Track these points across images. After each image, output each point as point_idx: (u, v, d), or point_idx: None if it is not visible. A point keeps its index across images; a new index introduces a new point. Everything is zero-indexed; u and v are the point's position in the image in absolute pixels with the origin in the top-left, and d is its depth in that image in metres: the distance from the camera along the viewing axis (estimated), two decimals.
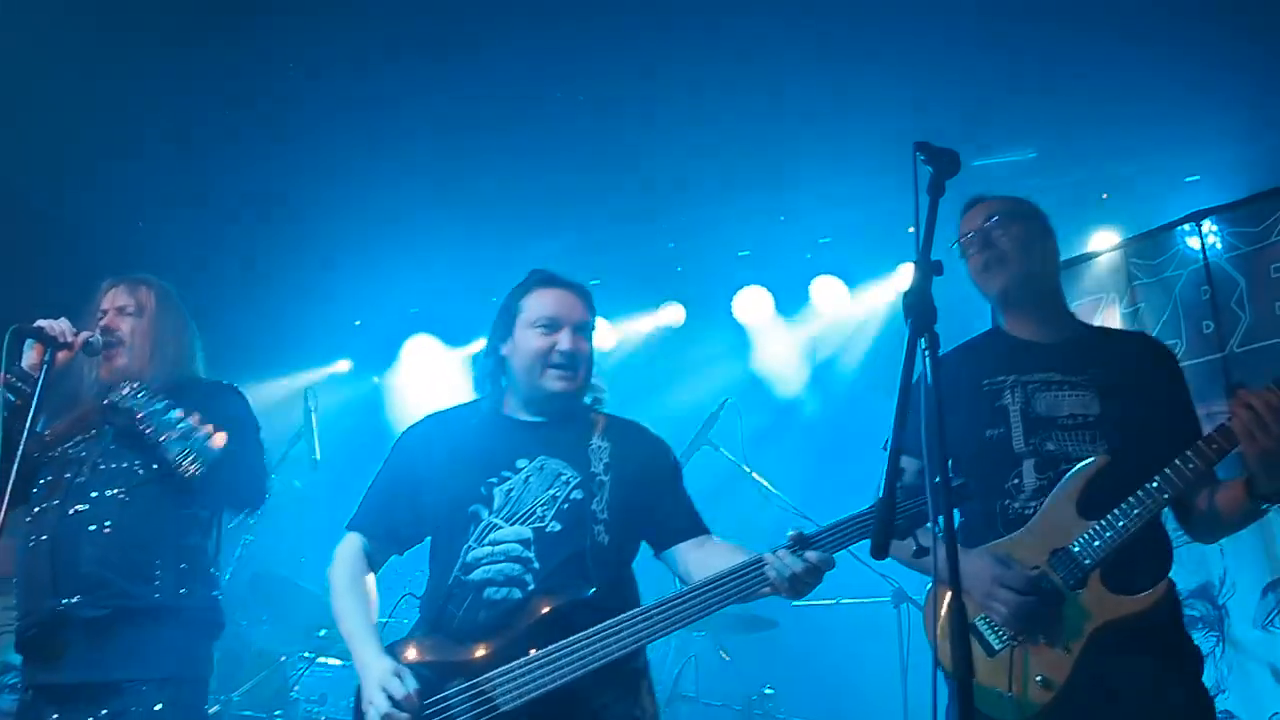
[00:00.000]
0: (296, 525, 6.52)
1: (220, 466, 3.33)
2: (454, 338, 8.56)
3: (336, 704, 6.05)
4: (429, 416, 3.50)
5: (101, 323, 3.63)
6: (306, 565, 6.38)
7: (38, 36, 5.60)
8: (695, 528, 3.31)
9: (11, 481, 3.12)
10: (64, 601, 3.33)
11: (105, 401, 3.47)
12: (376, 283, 7.92)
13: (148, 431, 3.32)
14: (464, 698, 2.99)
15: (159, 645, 3.34)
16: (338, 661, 6.04)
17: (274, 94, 6.14)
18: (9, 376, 3.38)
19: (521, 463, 3.22)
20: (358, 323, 8.63)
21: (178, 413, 3.31)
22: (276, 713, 5.85)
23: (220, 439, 3.32)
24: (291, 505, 6.41)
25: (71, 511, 3.43)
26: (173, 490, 3.44)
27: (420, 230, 7.32)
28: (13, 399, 3.37)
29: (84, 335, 3.50)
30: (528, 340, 3.29)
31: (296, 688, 5.96)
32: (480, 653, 3.03)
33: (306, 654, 6.02)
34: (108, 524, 3.40)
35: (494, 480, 3.19)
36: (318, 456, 6.33)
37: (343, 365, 8.82)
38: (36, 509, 3.48)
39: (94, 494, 3.45)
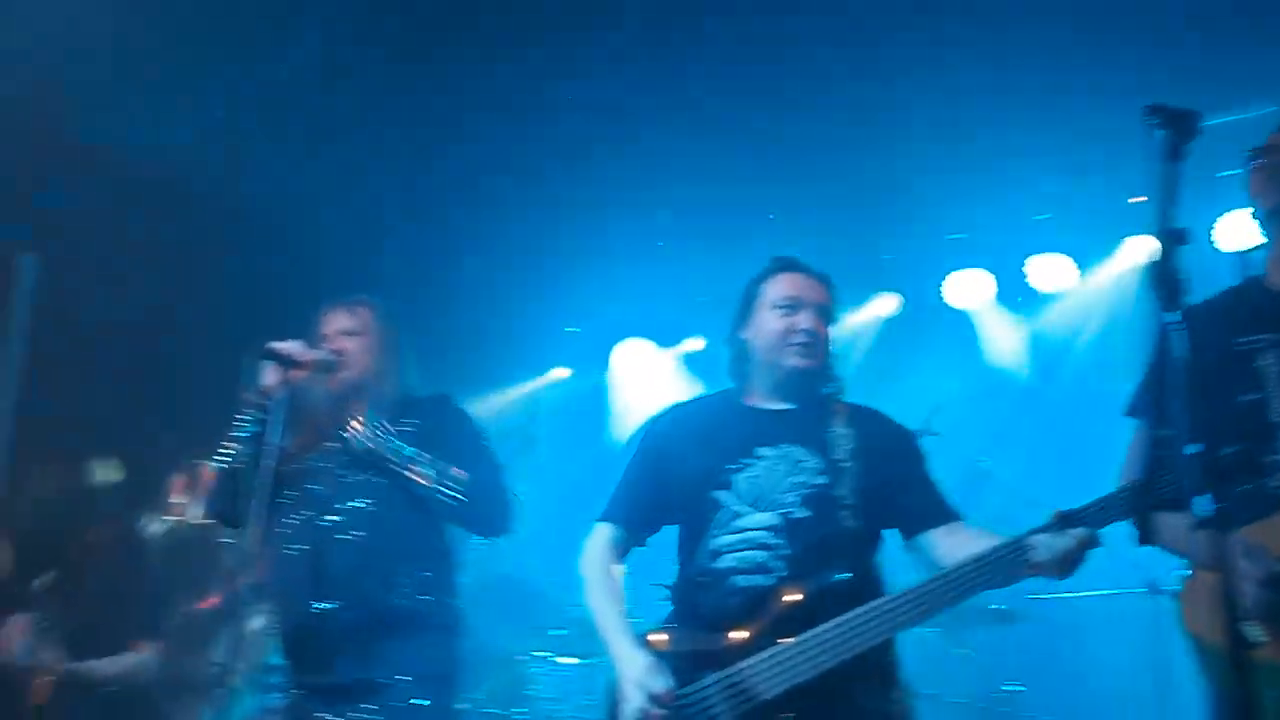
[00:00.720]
0: (524, 528, 6.63)
1: (471, 502, 3.53)
2: (665, 339, 8.62)
3: (576, 702, 6.12)
4: (672, 407, 3.54)
5: (331, 345, 3.77)
6: (538, 567, 6.51)
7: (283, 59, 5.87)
8: (945, 513, 3.23)
9: (267, 494, 3.30)
10: (320, 608, 3.48)
11: (346, 433, 3.62)
12: (588, 289, 8.03)
13: (398, 473, 3.53)
14: (720, 688, 2.98)
15: (410, 646, 3.46)
16: (575, 660, 6.13)
17: (481, 104, 6.29)
18: (251, 396, 3.56)
19: (764, 450, 3.22)
20: (575, 330, 8.77)
21: (426, 458, 3.52)
22: (517, 712, 5.97)
23: (461, 474, 3.51)
24: (522, 508, 6.53)
25: (322, 522, 3.58)
26: (418, 502, 3.58)
27: (627, 235, 7.40)
28: (255, 416, 3.56)
29: (315, 354, 3.65)
30: (768, 321, 3.32)
31: (535, 687, 6.07)
32: (735, 642, 3.02)
33: (543, 653, 6.12)
34: (356, 533, 3.53)
35: (736, 467, 3.20)
36: (542, 462, 6.45)
37: (561, 373, 8.98)
38: (288, 519, 3.63)
39: (340, 505, 3.59)
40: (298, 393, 3.64)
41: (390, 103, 6.27)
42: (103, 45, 5.63)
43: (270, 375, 3.58)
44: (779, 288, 3.35)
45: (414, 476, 3.50)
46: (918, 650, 5.98)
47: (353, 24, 5.83)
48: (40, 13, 5.37)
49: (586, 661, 6.31)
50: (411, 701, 3.39)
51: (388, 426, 3.58)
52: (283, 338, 3.65)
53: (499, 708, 6.01)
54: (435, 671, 3.49)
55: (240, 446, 3.55)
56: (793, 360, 3.27)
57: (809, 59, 5.98)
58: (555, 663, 6.18)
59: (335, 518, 3.57)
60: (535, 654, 6.18)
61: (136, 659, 4.69)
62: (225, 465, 3.62)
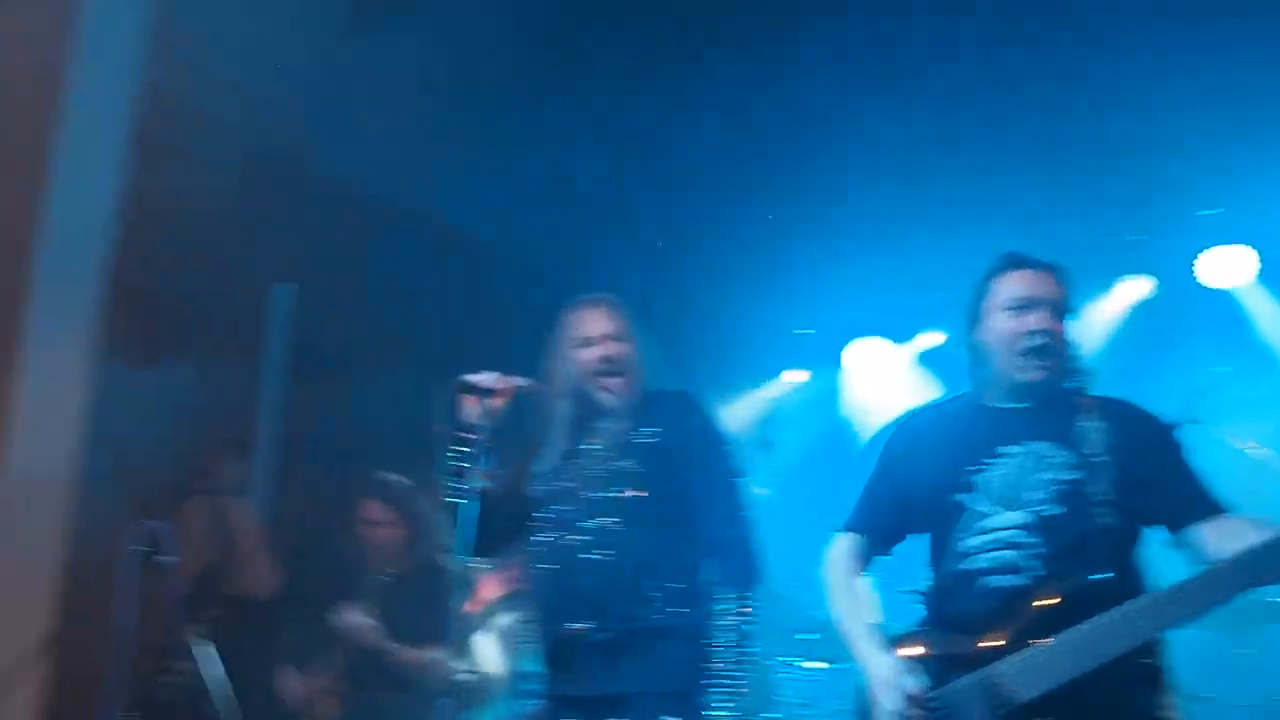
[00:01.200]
0: (767, 532, 6.60)
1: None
2: (901, 336, 8.46)
3: (825, 708, 6.05)
4: (911, 413, 3.48)
5: (599, 353, 3.70)
6: (782, 571, 6.46)
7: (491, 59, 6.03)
8: (1211, 506, 3.03)
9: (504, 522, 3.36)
10: (572, 626, 3.49)
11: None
12: (819, 289, 7.96)
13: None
14: (976, 690, 2.91)
15: (663, 662, 3.43)
16: (823, 665, 6.05)
17: (706, 104, 6.32)
18: (450, 427, 3.56)
19: (1011, 449, 3.12)
20: (809, 331, 8.70)
21: None
22: (766, 717, 5.92)
23: None
24: (763, 514, 6.51)
25: (569, 542, 3.57)
26: (667, 514, 3.55)
27: (861, 231, 7.30)
28: (462, 450, 3.53)
29: (515, 383, 3.61)
30: (1000, 323, 3.20)
31: (783, 693, 6.03)
32: (987, 643, 2.94)
33: (790, 659, 6.07)
34: (604, 552, 3.51)
35: (977, 468, 3.12)
36: (780, 467, 6.42)
37: (796, 375, 8.91)
38: (542, 537, 3.65)
39: (586, 524, 3.57)
40: (511, 417, 3.64)
41: (610, 106, 6.35)
42: (343, 84, 5.94)
43: (470, 408, 3.58)
44: (1008, 287, 3.22)
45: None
46: (1196, 652, 5.70)
47: (562, 31, 5.94)
48: (286, 54, 5.71)
49: (835, 666, 6.24)
50: (662, 717, 3.36)
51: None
52: (505, 359, 3.66)
53: (751, 713, 5.98)
54: (687, 686, 3.45)
55: (459, 481, 3.52)
56: (1028, 369, 3.16)
57: (1029, 31, 5.77)
58: (802, 668, 6.10)
59: (579, 537, 3.56)
60: (782, 659, 6.12)
61: (434, 655, 4.87)
62: (452, 503, 3.58)
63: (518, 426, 3.72)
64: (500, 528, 3.56)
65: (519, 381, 3.63)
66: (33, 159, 5.04)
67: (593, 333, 3.73)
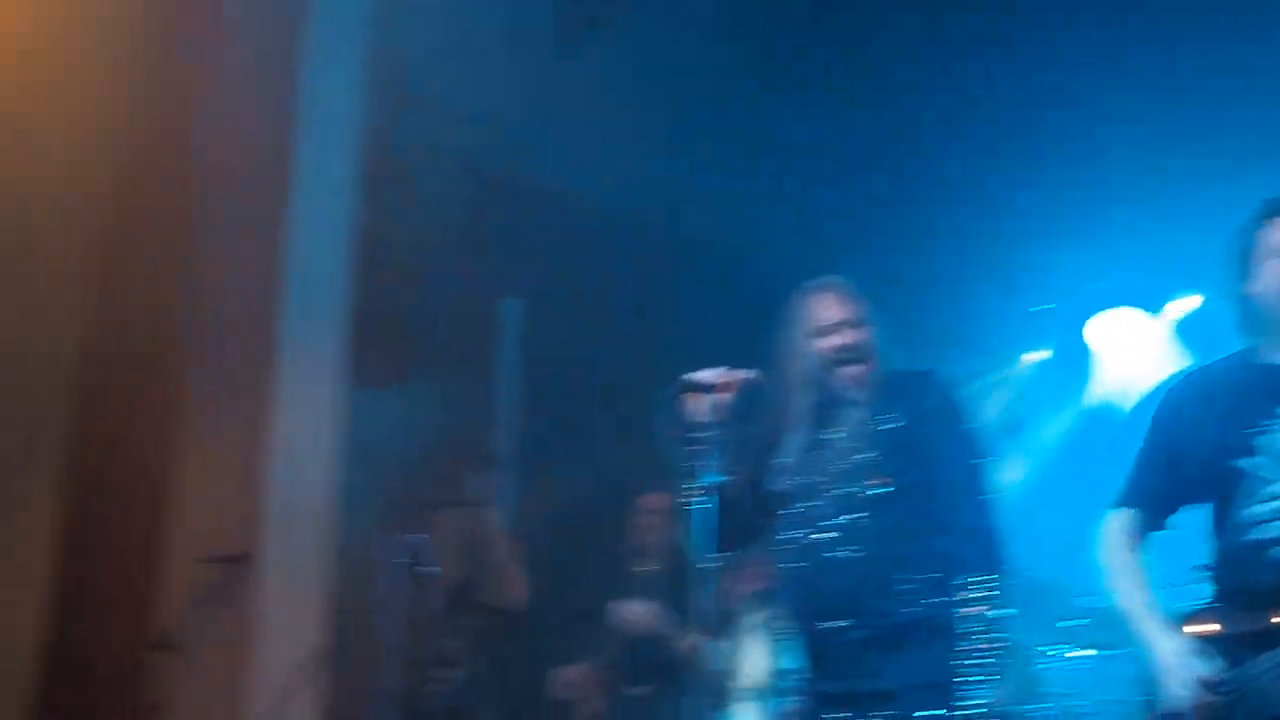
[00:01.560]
0: (1024, 516, 6.42)
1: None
2: (1153, 303, 8.06)
3: (1093, 696, 5.83)
4: (1181, 378, 3.30)
5: (839, 340, 3.61)
6: (1039, 557, 6.25)
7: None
8: None
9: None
10: (826, 625, 3.43)
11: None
12: (1063, 261, 7.69)
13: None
14: (1274, 670, 2.75)
15: (920, 655, 3.33)
16: (1091, 652, 5.83)
17: (938, 87, 6.20)
18: (678, 428, 3.51)
19: None
20: (1048, 307, 8.41)
21: None
22: (1042, 707, 5.76)
23: None
24: (1019, 497, 6.35)
25: (817, 540, 3.50)
26: (914, 503, 3.44)
27: (1104, 196, 7.02)
28: (695, 448, 3.48)
29: (739, 376, 3.54)
30: (1272, 272, 3.00)
31: (1049, 682, 5.82)
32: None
33: (1057, 646, 5.88)
34: (851, 549, 3.43)
35: (1259, 430, 2.93)
36: (1029, 449, 6.21)
37: (1040, 352, 8.61)
38: (789, 535, 3.58)
39: (833, 520, 3.49)
40: (735, 414, 3.55)
41: (828, 91, 6.28)
42: (558, 98, 6.07)
43: (696, 405, 3.53)
44: (1278, 233, 3.02)
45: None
46: None
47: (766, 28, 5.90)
48: (500, 74, 5.87)
49: (1102, 653, 5.97)
50: (918, 713, 3.27)
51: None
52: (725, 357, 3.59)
53: (1020, 703, 5.80)
54: (945, 678, 3.30)
55: (693, 481, 3.47)
56: None
57: None
58: (1068, 656, 5.87)
59: (826, 535, 3.48)
60: (1046, 648, 5.91)
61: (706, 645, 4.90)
62: (689, 502, 3.53)
63: (746, 421, 3.64)
64: (740, 524, 3.51)
65: (744, 375, 3.56)
66: (272, 197, 5.32)
67: (828, 319, 3.62)
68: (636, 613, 4.76)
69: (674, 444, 3.50)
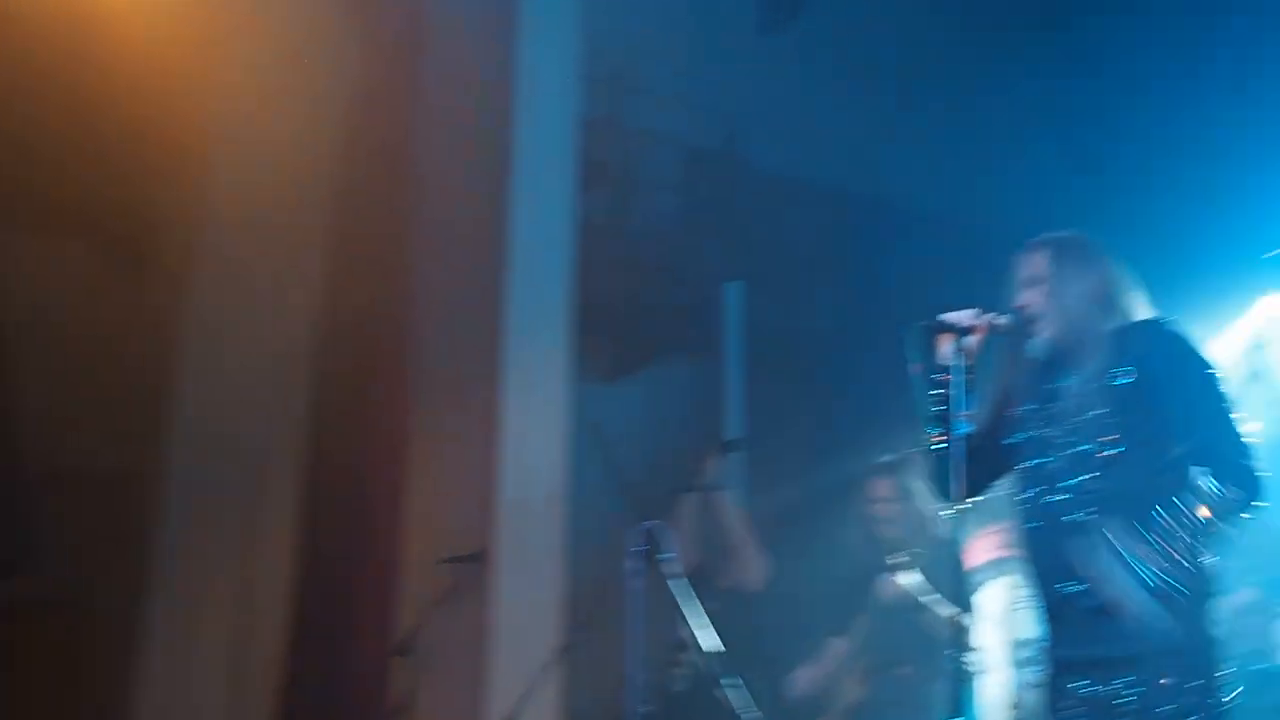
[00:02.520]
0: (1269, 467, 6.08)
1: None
2: None
3: None
4: None
5: (1017, 301, 3.55)
6: None
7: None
8: None
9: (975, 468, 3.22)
10: (1066, 588, 3.34)
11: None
12: None
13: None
14: None
15: (1153, 622, 3.20)
16: None
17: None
18: (921, 367, 3.44)
19: None
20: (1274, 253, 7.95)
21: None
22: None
23: None
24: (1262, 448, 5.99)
25: (1050, 500, 3.41)
26: (1149, 459, 3.29)
27: None
28: (939, 391, 3.44)
29: (989, 318, 3.47)
30: None
31: None
32: None
33: None
34: (1085, 512, 3.32)
35: None
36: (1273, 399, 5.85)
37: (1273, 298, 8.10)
38: (1025, 495, 3.50)
39: (1066, 481, 3.39)
40: (991, 356, 3.52)
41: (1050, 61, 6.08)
42: (765, 78, 6.02)
43: (944, 346, 3.47)
44: None
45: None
46: None
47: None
48: (708, 57, 5.85)
49: None
50: (1165, 680, 3.17)
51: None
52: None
53: (1267, 662, 5.52)
54: (1183, 644, 3.22)
55: (937, 425, 3.44)
56: None
57: None
58: None
59: (1059, 496, 3.38)
60: None
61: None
62: (932, 446, 3.51)
63: (993, 366, 3.60)
64: (980, 475, 3.43)
65: (996, 318, 3.49)
66: (492, 193, 5.39)
67: (1020, 278, 3.59)
68: (905, 583, 4.65)
69: (920, 385, 3.46)
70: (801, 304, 6.81)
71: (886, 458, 5.16)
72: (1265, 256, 7.86)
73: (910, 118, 6.46)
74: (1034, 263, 3.57)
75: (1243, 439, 3.27)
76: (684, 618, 4.49)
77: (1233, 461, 3.21)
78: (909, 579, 4.71)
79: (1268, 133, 6.68)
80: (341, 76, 5.72)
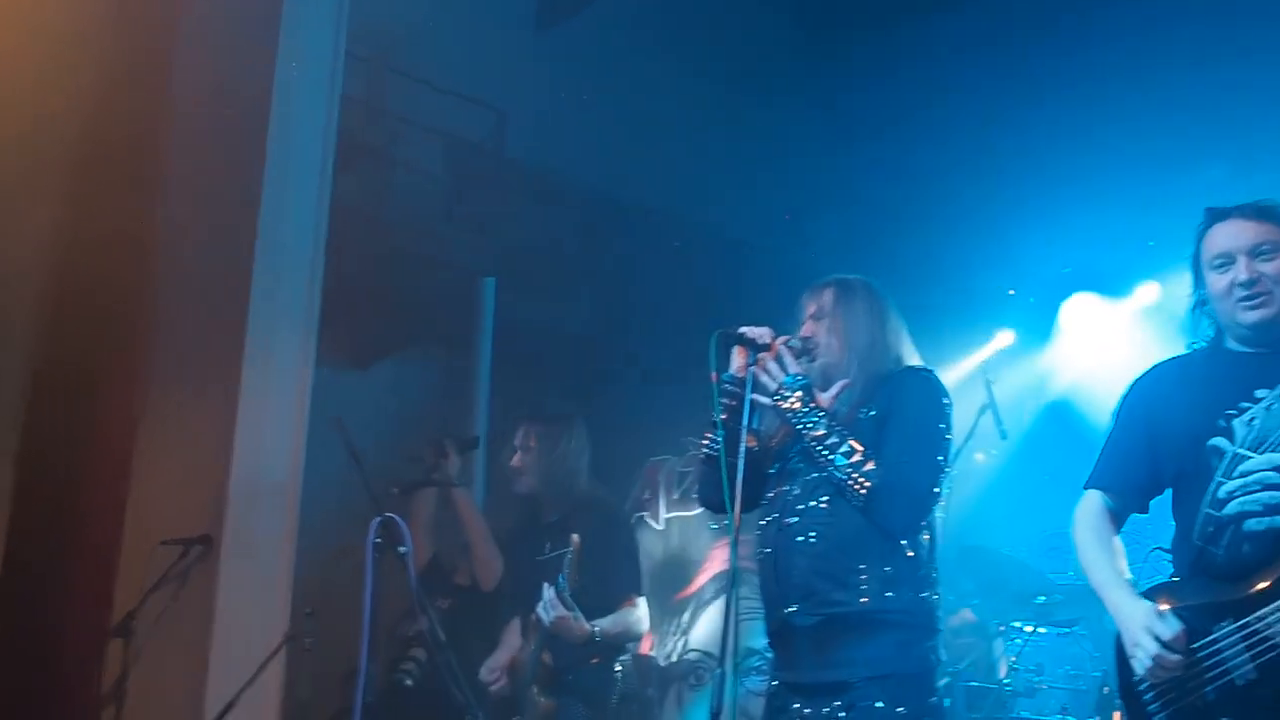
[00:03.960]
0: (987, 496, 6.47)
1: (877, 499, 3.36)
2: (1114, 290, 8.11)
3: (1054, 671, 5.96)
4: (1155, 366, 3.38)
5: (801, 333, 3.68)
6: (1010, 535, 6.33)
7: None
8: None
9: (740, 480, 3.26)
10: (786, 610, 3.46)
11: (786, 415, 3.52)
12: (1027, 248, 7.74)
13: (817, 453, 3.43)
14: (1237, 638, 2.85)
15: (878, 648, 3.37)
16: (1055, 629, 5.95)
17: (905, 77, 6.21)
18: (719, 377, 3.49)
19: (1260, 392, 3.04)
20: (1011, 292, 8.46)
21: (842, 441, 3.40)
22: (1004, 682, 5.83)
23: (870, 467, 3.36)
24: (981, 478, 6.39)
25: (785, 524, 3.53)
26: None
27: (1067, 185, 7.07)
28: (726, 401, 3.51)
29: (783, 339, 3.58)
30: (1212, 283, 3.18)
31: (1014, 658, 5.90)
32: (1250, 589, 2.87)
33: (1020, 624, 5.95)
34: (813, 535, 3.46)
35: (1232, 412, 3.05)
36: (1004, 429, 6.24)
37: (1005, 337, 8.63)
38: (763, 520, 3.62)
39: (801, 506, 3.52)
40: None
41: (824, 80, 6.28)
42: (550, 80, 6.00)
43: (738, 359, 3.56)
44: (1211, 244, 3.20)
45: (829, 460, 3.40)
46: None
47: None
48: (479, 49, 5.79)
49: (1065, 630, 6.06)
50: (876, 704, 3.30)
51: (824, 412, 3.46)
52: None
53: (983, 679, 5.91)
54: (900, 670, 3.37)
55: (716, 434, 3.52)
56: (1245, 316, 3.11)
57: None
58: (1036, 632, 5.97)
59: (793, 520, 3.51)
60: (1015, 624, 6.00)
61: (633, 613, 4.84)
62: (706, 453, 3.61)
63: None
64: (750, 492, 3.41)
65: (787, 340, 3.60)
66: (246, 167, 5.20)
67: (803, 318, 3.73)
68: (550, 616, 4.67)
69: (712, 392, 3.48)
70: (558, 304, 6.83)
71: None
72: (1007, 293, 8.40)
73: (683, 131, 6.57)
74: (821, 299, 3.71)
75: (918, 470, 3.45)
76: (418, 612, 4.44)
77: (899, 487, 3.39)
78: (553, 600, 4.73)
79: (1007, 179, 7.11)
80: (97, 19, 5.39)
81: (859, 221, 7.13)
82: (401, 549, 4.18)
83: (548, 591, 4.66)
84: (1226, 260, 3.14)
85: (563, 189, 6.54)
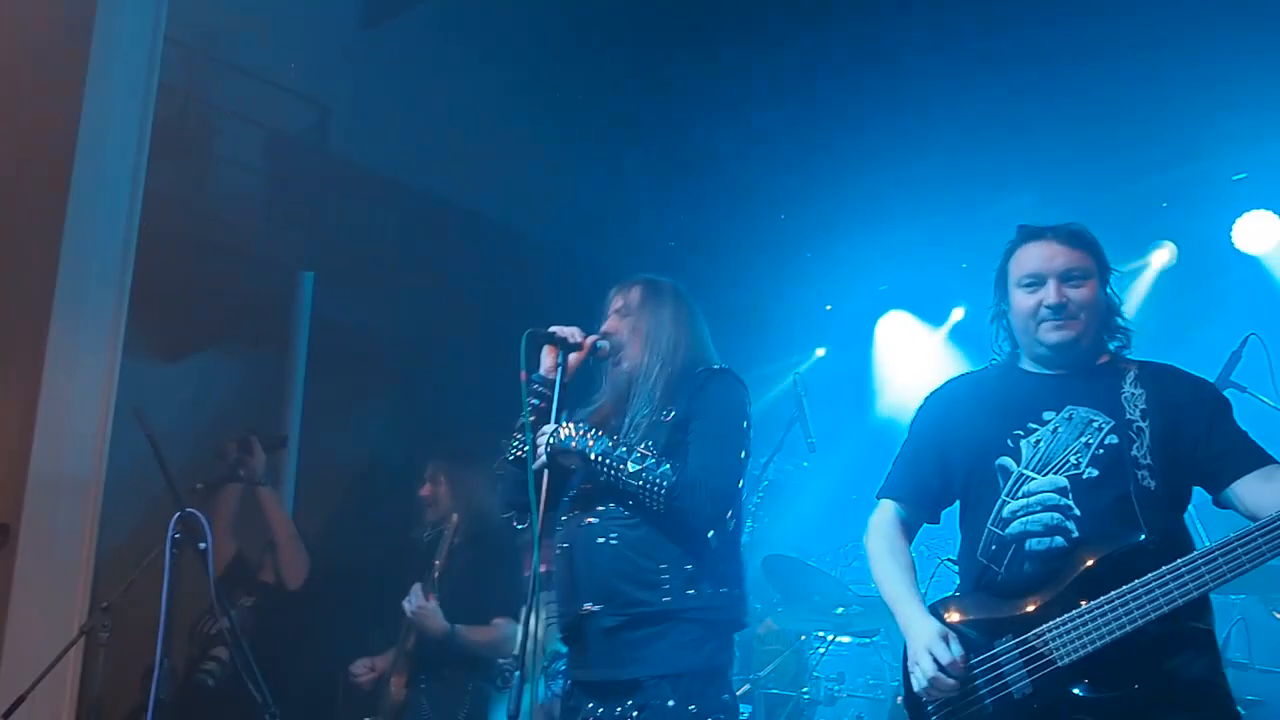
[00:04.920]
0: (796, 507, 6.61)
1: (678, 495, 3.39)
2: (929, 312, 8.41)
3: (854, 681, 6.11)
4: (950, 380, 3.46)
5: (604, 328, 3.71)
6: (814, 545, 6.47)
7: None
8: (1258, 458, 3.00)
9: (545, 483, 3.31)
10: (584, 607, 3.47)
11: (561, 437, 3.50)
12: (845, 265, 7.93)
13: (606, 472, 3.45)
14: (1015, 654, 2.94)
15: (670, 646, 3.41)
16: (855, 639, 6.11)
17: (738, 93, 6.32)
18: (528, 377, 3.49)
19: (1048, 414, 3.12)
20: (828, 308, 8.68)
21: (630, 450, 3.43)
22: (804, 691, 5.96)
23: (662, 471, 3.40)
24: (791, 488, 6.52)
25: (585, 523, 3.54)
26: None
27: (884, 206, 7.27)
28: (536, 403, 3.52)
29: (593, 339, 3.61)
30: (1017, 300, 3.21)
31: (817, 666, 6.05)
32: (1029, 607, 2.96)
33: (822, 633, 6.09)
34: (614, 536, 3.47)
35: (1020, 433, 3.12)
36: (812, 440, 6.39)
37: (820, 352, 8.87)
38: (564, 516, 3.62)
39: (600, 506, 3.54)
40: (579, 379, 3.63)
41: (641, 90, 6.35)
42: (364, 73, 5.95)
43: (547, 359, 3.58)
44: (1021, 263, 3.22)
45: (620, 474, 3.43)
46: (1225, 619, 5.64)
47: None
48: (303, 43, 5.71)
49: (864, 641, 6.23)
50: (668, 703, 3.34)
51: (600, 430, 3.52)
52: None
53: (783, 687, 6.02)
54: (696, 668, 3.42)
55: (523, 434, 3.50)
56: (1048, 336, 3.16)
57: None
58: (837, 641, 6.13)
59: (593, 519, 3.53)
60: (817, 633, 6.15)
61: (502, 630, 4.84)
62: (513, 454, 3.61)
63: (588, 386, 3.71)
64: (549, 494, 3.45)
65: (598, 339, 3.63)
66: (56, 150, 5.03)
67: (609, 312, 3.77)
68: (417, 609, 4.68)
69: (523, 392, 3.47)
70: (378, 303, 6.77)
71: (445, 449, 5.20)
72: (826, 308, 8.62)
73: (503, 132, 6.57)
74: (629, 295, 3.74)
75: (720, 464, 3.49)
76: (218, 610, 4.37)
77: (701, 479, 3.43)
78: (422, 595, 4.75)
79: (828, 192, 7.29)
80: None
81: (680, 229, 7.24)
82: (201, 545, 4.12)
83: (416, 585, 4.67)
84: (1036, 281, 3.16)
85: (384, 186, 6.48)
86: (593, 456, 3.46)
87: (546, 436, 3.45)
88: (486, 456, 5.11)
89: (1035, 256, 3.19)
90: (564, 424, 3.50)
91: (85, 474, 4.97)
